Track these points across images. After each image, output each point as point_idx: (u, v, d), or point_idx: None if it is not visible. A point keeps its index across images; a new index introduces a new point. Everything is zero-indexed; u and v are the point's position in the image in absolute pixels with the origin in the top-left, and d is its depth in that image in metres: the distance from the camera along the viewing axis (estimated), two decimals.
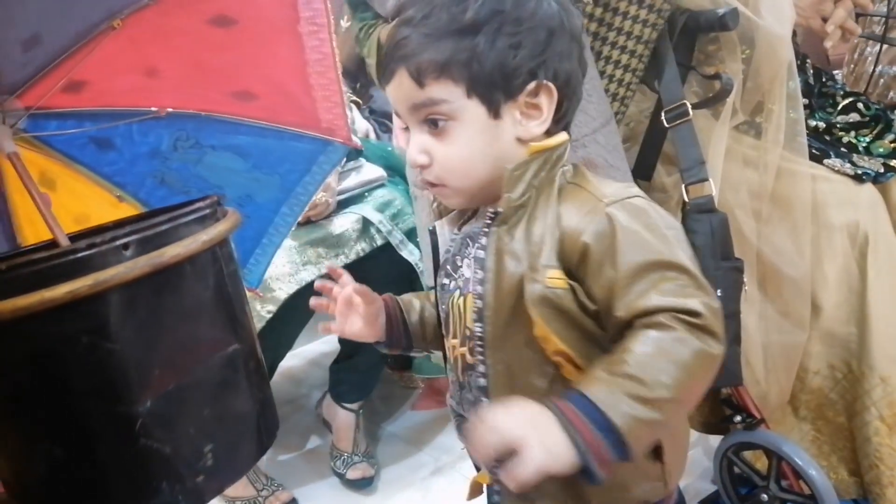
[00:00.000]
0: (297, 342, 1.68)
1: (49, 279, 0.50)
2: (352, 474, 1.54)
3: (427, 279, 1.34)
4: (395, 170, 1.70)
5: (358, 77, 1.80)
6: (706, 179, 1.04)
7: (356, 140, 1.00)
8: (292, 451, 1.73)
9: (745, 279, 1.02)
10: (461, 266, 0.68)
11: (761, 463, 1.13)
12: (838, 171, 1.16)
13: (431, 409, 1.82)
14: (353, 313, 0.75)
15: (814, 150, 1.18)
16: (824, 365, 1.16)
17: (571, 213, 0.60)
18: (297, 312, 1.49)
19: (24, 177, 0.71)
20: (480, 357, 0.62)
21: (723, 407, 1.14)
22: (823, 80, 1.34)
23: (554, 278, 0.59)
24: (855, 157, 1.19)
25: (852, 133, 1.25)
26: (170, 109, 0.87)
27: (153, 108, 0.87)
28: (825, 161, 1.18)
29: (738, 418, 1.10)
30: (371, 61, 1.11)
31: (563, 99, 0.64)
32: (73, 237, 0.70)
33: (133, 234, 0.54)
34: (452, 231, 0.73)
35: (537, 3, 0.62)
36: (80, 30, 0.77)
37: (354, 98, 1.86)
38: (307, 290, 1.39)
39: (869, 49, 1.41)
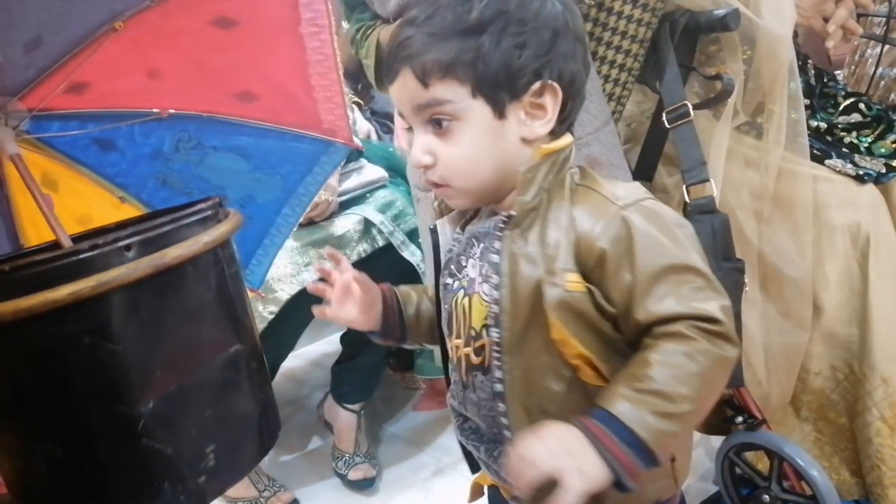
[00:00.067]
0: (298, 343, 1.68)
1: (51, 280, 0.50)
2: (353, 475, 1.55)
3: (428, 280, 1.34)
4: (397, 171, 1.70)
5: (359, 78, 1.80)
6: (707, 180, 1.03)
7: (357, 141, 1.00)
8: (294, 451, 1.73)
9: (746, 280, 1.02)
10: (466, 266, 0.67)
11: (763, 464, 1.13)
12: (840, 172, 1.16)
13: (433, 410, 1.82)
14: (349, 300, 0.75)
15: (815, 151, 1.18)
16: (826, 366, 1.16)
17: (585, 217, 0.60)
18: (298, 313, 1.49)
19: (26, 178, 0.72)
20: (497, 362, 0.62)
21: (724, 408, 1.14)
22: (825, 80, 1.34)
23: (573, 282, 0.59)
24: (856, 158, 1.19)
25: (854, 133, 1.25)
26: (172, 111, 0.88)
27: (155, 110, 0.87)
28: (826, 162, 1.18)
29: (740, 419, 1.09)
30: (369, 62, 1.10)
31: (568, 99, 0.64)
32: (76, 238, 0.70)
33: (135, 235, 0.54)
34: (455, 230, 0.73)
35: (541, 4, 0.62)
36: (81, 32, 0.77)
37: (356, 99, 1.86)
38: (308, 292, 1.39)
39: (869, 51, 1.41)
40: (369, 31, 1.11)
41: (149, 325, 0.55)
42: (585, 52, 0.66)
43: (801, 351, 1.14)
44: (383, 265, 1.50)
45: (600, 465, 0.52)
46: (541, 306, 0.59)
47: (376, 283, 0.77)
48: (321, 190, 1.05)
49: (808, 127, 1.19)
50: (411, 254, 1.53)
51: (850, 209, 1.13)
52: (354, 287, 0.75)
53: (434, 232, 0.74)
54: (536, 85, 0.61)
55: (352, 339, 1.65)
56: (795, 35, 1.21)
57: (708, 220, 1.00)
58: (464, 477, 0.80)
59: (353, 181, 1.61)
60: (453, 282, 0.69)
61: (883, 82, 1.38)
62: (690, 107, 1.05)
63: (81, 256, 0.52)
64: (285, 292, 1.39)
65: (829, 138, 1.24)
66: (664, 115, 1.07)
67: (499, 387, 0.62)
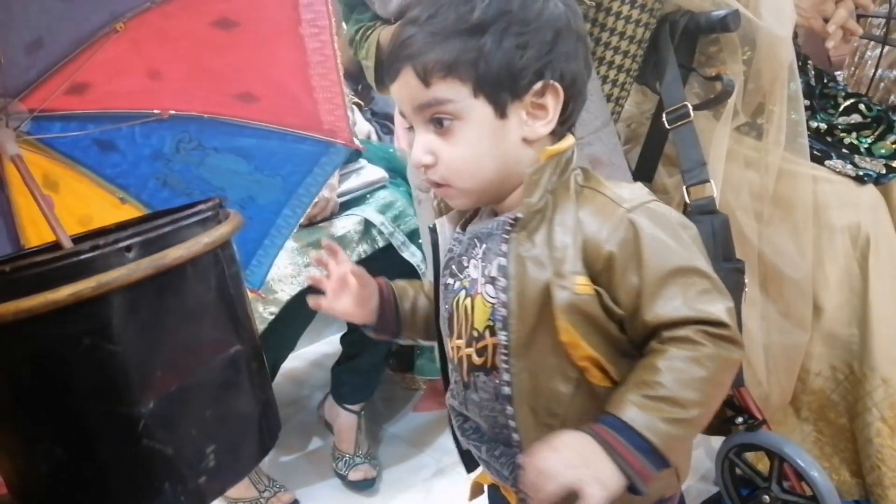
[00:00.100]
0: (299, 344, 1.68)
1: (52, 281, 0.50)
2: (353, 475, 1.55)
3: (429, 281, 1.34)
4: (397, 171, 1.70)
5: (360, 79, 1.80)
6: (707, 181, 1.03)
7: (357, 142, 1.00)
8: (294, 452, 1.73)
9: (746, 280, 1.02)
10: (467, 267, 0.67)
11: (763, 464, 1.13)
12: (840, 173, 1.16)
13: (433, 411, 1.82)
14: (345, 292, 0.75)
15: (815, 152, 1.18)
16: (826, 366, 1.16)
17: (592, 219, 0.60)
18: (299, 314, 1.49)
19: (27, 179, 0.72)
20: (505, 365, 0.62)
21: (725, 408, 1.14)
22: (825, 81, 1.34)
23: (581, 285, 0.59)
24: (856, 159, 1.19)
25: (854, 134, 1.25)
26: (172, 111, 0.88)
27: (156, 111, 0.87)
28: (826, 162, 1.18)
29: (740, 419, 1.09)
30: (369, 63, 1.10)
31: (569, 100, 0.64)
32: (77, 239, 0.70)
33: (136, 236, 0.54)
34: (455, 230, 0.73)
35: (544, 4, 0.62)
36: (82, 33, 0.77)
37: (356, 100, 1.86)
38: (309, 292, 1.39)
39: (869, 53, 1.41)
40: (369, 31, 1.10)
41: (149, 326, 0.55)
42: (587, 53, 0.66)
43: (802, 351, 1.14)
44: (383, 266, 1.48)
45: (616, 473, 0.53)
46: (548, 309, 0.60)
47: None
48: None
49: (809, 128, 1.19)
50: (411, 254, 1.53)
51: (850, 210, 1.13)
52: (351, 280, 0.75)
53: (433, 231, 0.74)
54: (538, 85, 0.61)
55: (352, 339, 1.65)
56: (795, 36, 1.22)
57: (708, 220, 1.01)
58: (464, 477, 0.80)
59: (353, 182, 1.61)
60: (454, 282, 0.69)
61: (883, 84, 1.38)
62: (690, 107, 1.05)
63: (82, 257, 0.52)
64: (286, 293, 1.40)
65: (829, 139, 1.25)
66: (664, 115, 1.07)
67: (506, 390, 0.62)
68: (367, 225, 1.54)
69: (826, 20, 1.19)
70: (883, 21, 1.33)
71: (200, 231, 0.59)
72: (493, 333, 0.63)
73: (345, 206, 1.59)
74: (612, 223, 0.59)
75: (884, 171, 1.16)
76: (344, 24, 1.17)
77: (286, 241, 1.04)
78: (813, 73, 1.32)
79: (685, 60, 1.10)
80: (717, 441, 1.16)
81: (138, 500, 0.56)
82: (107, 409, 0.54)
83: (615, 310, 0.59)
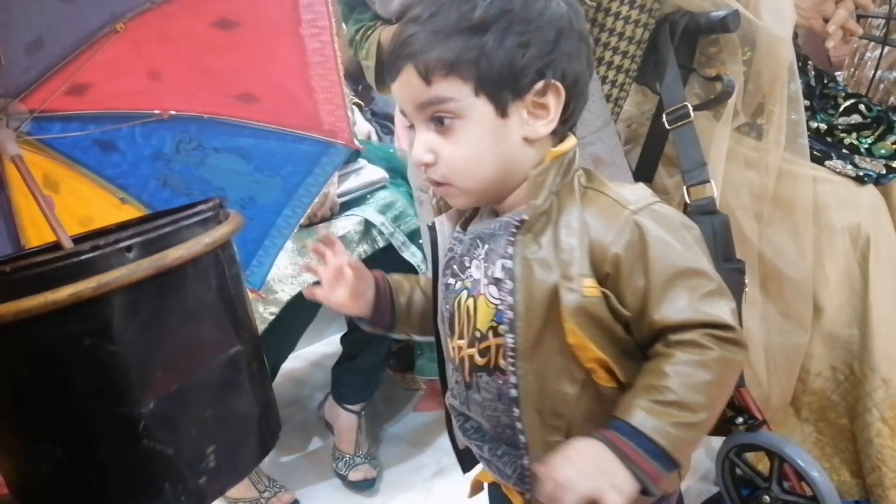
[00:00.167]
0: (299, 344, 1.68)
1: (52, 281, 0.50)
2: (354, 476, 1.55)
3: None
4: (397, 172, 1.70)
5: (360, 79, 1.80)
6: (708, 181, 1.03)
7: (357, 142, 1.00)
8: (294, 452, 1.73)
9: (746, 281, 1.02)
10: (469, 267, 0.67)
11: (763, 464, 1.13)
12: (840, 173, 1.16)
13: (433, 411, 1.82)
14: (341, 283, 0.75)
15: (815, 152, 1.18)
16: (826, 367, 1.16)
17: (598, 221, 0.61)
18: (299, 314, 1.49)
19: (27, 179, 0.72)
20: (512, 368, 0.62)
21: (725, 408, 1.14)
22: (825, 81, 1.34)
23: (589, 287, 0.59)
24: (857, 159, 1.19)
25: (854, 135, 1.25)
26: (172, 112, 0.88)
27: (156, 111, 0.87)
28: (826, 163, 1.18)
29: (740, 420, 1.09)
30: (369, 63, 1.10)
31: (571, 99, 0.64)
32: (77, 239, 0.70)
33: (136, 236, 0.54)
34: (455, 229, 0.73)
35: (546, 3, 0.62)
36: (83, 33, 0.77)
37: (356, 100, 1.86)
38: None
39: (869, 54, 1.41)
40: (369, 31, 1.10)
41: (149, 326, 0.55)
42: (589, 53, 0.66)
43: (802, 352, 1.14)
44: (384, 266, 1.47)
45: (630, 479, 0.54)
46: (555, 311, 0.60)
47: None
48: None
49: (809, 128, 1.19)
50: (412, 255, 1.53)
51: (850, 210, 1.13)
52: (347, 271, 0.74)
53: (432, 229, 0.74)
54: (539, 84, 0.61)
55: (352, 340, 1.65)
56: (795, 36, 1.22)
57: (708, 220, 1.00)
58: (464, 478, 0.80)
59: (353, 182, 1.61)
60: (455, 282, 0.69)
61: (882, 85, 1.38)
62: (691, 108, 1.05)
63: (82, 257, 0.52)
64: (286, 293, 1.40)
65: (829, 139, 1.25)
66: (664, 116, 1.07)
67: (513, 392, 0.62)
68: (368, 225, 1.54)
69: (826, 20, 1.19)
70: (882, 22, 1.33)
71: (201, 231, 0.59)
72: (496, 334, 0.63)
73: (345, 207, 1.59)
74: (617, 225, 0.60)
75: (884, 172, 1.16)
76: (343, 25, 1.17)
77: (286, 241, 1.04)
78: (813, 73, 1.32)
79: (685, 61, 1.10)
80: (717, 441, 1.16)
81: (139, 501, 0.56)
82: (107, 410, 0.54)
83: (622, 311, 0.60)
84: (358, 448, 1.60)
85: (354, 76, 1.69)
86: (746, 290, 1.03)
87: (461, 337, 0.68)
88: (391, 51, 0.65)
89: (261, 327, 1.35)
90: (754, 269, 1.13)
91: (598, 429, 0.58)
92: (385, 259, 1.52)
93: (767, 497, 1.08)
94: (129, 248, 0.54)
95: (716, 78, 1.08)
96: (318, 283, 0.76)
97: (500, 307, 0.63)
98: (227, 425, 0.61)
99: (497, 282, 0.63)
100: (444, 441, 1.70)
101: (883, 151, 1.22)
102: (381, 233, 1.53)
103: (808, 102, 1.23)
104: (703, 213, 1.02)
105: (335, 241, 0.76)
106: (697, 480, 1.34)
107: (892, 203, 1.16)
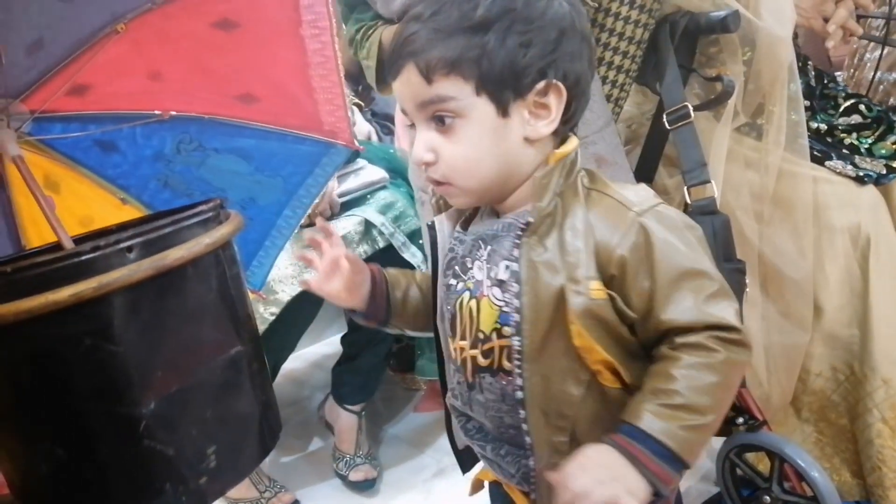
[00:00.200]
0: (299, 344, 1.68)
1: (53, 282, 0.50)
2: (354, 476, 1.55)
3: None
4: (397, 172, 1.70)
5: (360, 80, 1.80)
6: (708, 181, 1.03)
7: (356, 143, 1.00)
8: (295, 452, 1.73)
9: (747, 281, 1.02)
10: (471, 268, 0.67)
11: (763, 465, 1.13)
12: (840, 173, 1.16)
13: (434, 411, 1.81)
14: (336, 275, 0.74)
15: (815, 152, 1.18)
16: (826, 367, 1.16)
17: (603, 224, 0.61)
18: (300, 315, 1.49)
19: (28, 180, 0.72)
20: (518, 370, 0.62)
21: None
22: (825, 81, 1.34)
23: (596, 290, 0.60)
24: (857, 159, 1.19)
25: (854, 135, 1.25)
26: (173, 112, 0.88)
27: (156, 112, 0.87)
28: (827, 163, 1.18)
29: (741, 420, 1.09)
30: (369, 63, 1.09)
31: (572, 100, 0.63)
32: (78, 240, 0.70)
33: (137, 236, 0.54)
34: (455, 228, 0.72)
35: (548, 3, 0.61)
36: (83, 34, 0.77)
37: (356, 100, 1.86)
38: (310, 293, 1.39)
39: (868, 55, 1.41)
40: (370, 31, 1.10)
41: (150, 327, 0.55)
42: (591, 53, 0.66)
43: (802, 352, 1.14)
44: (384, 266, 1.50)
45: (643, 483, 0.55)
46: (562, 313, 0.60)
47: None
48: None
49: (809, 128, 1.19)
50: (412, 255, 1.53)
51: (850, 210, 1.13)
52: (343, 263, 0.74)
53: (432, 228, 0.74)
54: (541, 84, 0.61)
55: (352, 340, 1.65)
56: (795, 37, 1.22)
57: (709, 221, 1.00)
58: (464, 478, 0.80)
59: (353, 182, 1.61)
60: (457, 283, 0.69)
61: (882, 87, 1.38)
62: (691, 108, 1.05)
63: (83, 258, 0.52)
64: (286, 294, 1.40)
65: (829, 139, 1.25)
66: (664, 116, 1.07)
67: (519, 394, 0.63)
68: (368, 225, 1.54)
69: (826, 20, 1.19)
70: (882, 22, 1.33)
71: (201, 232, 0.59)
72: (500, 336, 0.63)
73: (345, 207, 1.59)
74: (623, 227, 0.60)
75: (884, 172, 1.16)
76: (343, 25, 1.17)
77: (287, 241, 1.04)
78: (813, 73, 1.32)
79: (685, 61, 1.10)
80: (717, 441, 1.16)
81: (139, 501, 0.56)
82: (108, 410, 0.54)
83: (627, 313, 0.60)
84: (358, 448, 1.60)
85: (354, 76, 1.69)
86: (747, 290, 1.03)
87: (463, 338, 0.68)
88: (392, 49, 0.64)
89: (261, 328, 1.35)
90: (754, 269, 1.13)
91: (603, 429, 0.58)
92: (385, 259, 1.52)
93: (768, 497, 1.09)
94: (129, 249, 0.54)
95: (716, 78, 1.08)
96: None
97: (504, 309, 0.63)
98: (228, 425, 0.61)
99: (501, 283, 0.63)
100: (445, 441, 1.69)
101: (883, 151, 1.22)
102: (381, 233, 1.53)
103: (808, 103, 1.23)
104: (704, 213, 1.02)
105: (332, 232, 0.76)
106: (698, 481, 1.34)
107: (893, 203, 1.16)
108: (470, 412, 0.70)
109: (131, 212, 0.94)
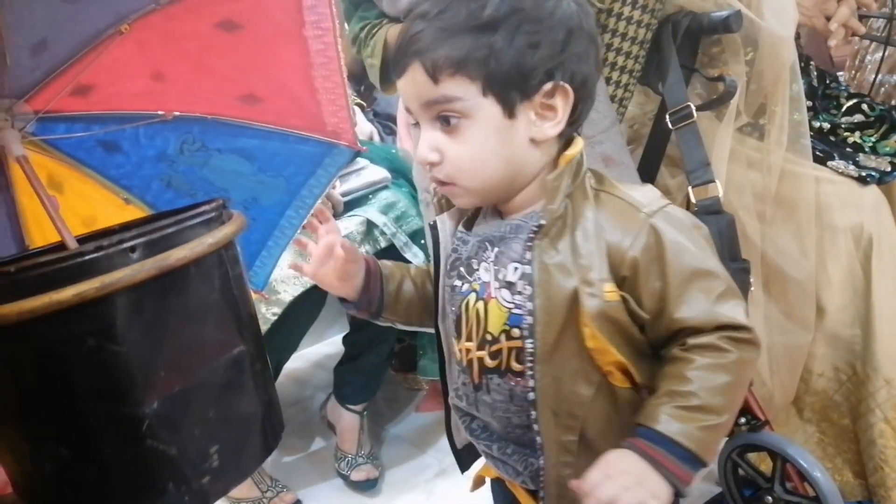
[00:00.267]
0: (301, 344, 1.68)
1: (56, 281, 0.50)
2: (356, 476, 1.55)
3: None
4: (400, 172, 1.70)
5: (362, 80, 1.80)
6: (712, 181, 1.03)
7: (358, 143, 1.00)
8: (297, 452, 1.73)
9: (751, 280, 1.02)
10: (477, 269, 0.67)
11: (766, 465, 1.13)
12: (842, 173, 1.16)
13: (436, 411, 1.81)
14: (330, 262, 0.74)
15: (818, 152, 1.18)
16: (829, 367, 1.16)
17: (613, 225, 0.61)
18: (302, 315, 1.49)
19: (32, 180, 0.72)
20: (530, 372, 0.62)
21: None
22: (827, 81, 1.34)
23: (610, 291, 0.60)
24: (861, 157, 1.19)
25: (857, 133, 1.25)
26: (176, 113, 0.88)
27: (160, 112, 0.87)
28: (829, 163, 1.18)
29: (743, 420, 1.09)
30: (374, 62, 1.09)
31: (579, 101, 0.63)
32: (81, 240, 0.70)
33: (140, 236, 0.54)
34: (458, 228, 0.72)
35: (556, 3, 0.61)
36: (87, 34, 0.78)
37: (359, 101, 1.87)
38: (312, 293, 1.40)
39: (870, 57, 1.41)
40: (375, 29, 1.09)
41: (153, 327, 0.55)
42: (598, 54, 0.66)
43: (804, 352, 1.14)
44: None
45: (665, 484, 0.56)
46: (574, 315, 0.60)
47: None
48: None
49: (812, 128, 1.19)
50: (414, 255, 1.53)
51: (852, 210, 1.13)
52: (338, 251, 0.73)
53: (434, 227, 0.74)
54: (548, 86, 0.61)
55: (354, 340, 1.65)
56: (798, 37, 1.21)
57: (714, 220, 1.00)
58: (465, 478, 0.80)
59: (355, 182, 1.61)
60: (462, 284, 0.69)
61: (883, 89, 1.38)
62: (693, 108, 1.05)
63: (86, 258, 0.52)
64: (288, 294, 1.40)
65: (832, 138, 1.24)
66: (667, 116, 1.07)
67: (531, 395, 0.63)
68: (370, 225, 1.54)
69: (828, 19, 1.19)
70: (884, 23, 1.32)
71: (204, 232, 0.59)
72: (509, 337, 0.63)
73: (347, 207, 1.59)
74: (633, 229, 0.60)
75: (889, 169, 1.16)
76: (346, 24, 1.16)
77: (289, 242, 1.05)
78: (815, 73, 1.32)
79: (688, 61, 1.10)
80: None
81: (142, 500, 0.56)
82: (111, 410, 0.54)
83: (639, 314, 0.60)
84: (360, 448, 1.60)
85: (357, 77, 1.69)
86: (751, 289, 1.03)
87: (469, 339, 0.67)
88: (398, 47, 0.64)
89: (263, 328, 1.35)
90: (757, 269, 1.13)
91: (612, 428, 0.60)
92: (386, 259, 1.52)
93: (770, 497, 1.08)
94: (132, 249, 0.54)
95: (718, 78, 1.08)
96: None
97: (514, 311, 0.63)
98: (231, 425, 0.61)
99: (510, 285, 0.63)
100: (446, 441, 1.70)
101: (887, 149, 1.22)
102: (383, 233, 1.53)
103: (810, 103, 1.23)
104: (709, 213, 1.02)
105: (328, 217, 0.76)
106: (699, 480, 1.34)
107: (895, 203, 1.16)
108: (475, 412, 0.70)
109: (134, 212, 0.94)
